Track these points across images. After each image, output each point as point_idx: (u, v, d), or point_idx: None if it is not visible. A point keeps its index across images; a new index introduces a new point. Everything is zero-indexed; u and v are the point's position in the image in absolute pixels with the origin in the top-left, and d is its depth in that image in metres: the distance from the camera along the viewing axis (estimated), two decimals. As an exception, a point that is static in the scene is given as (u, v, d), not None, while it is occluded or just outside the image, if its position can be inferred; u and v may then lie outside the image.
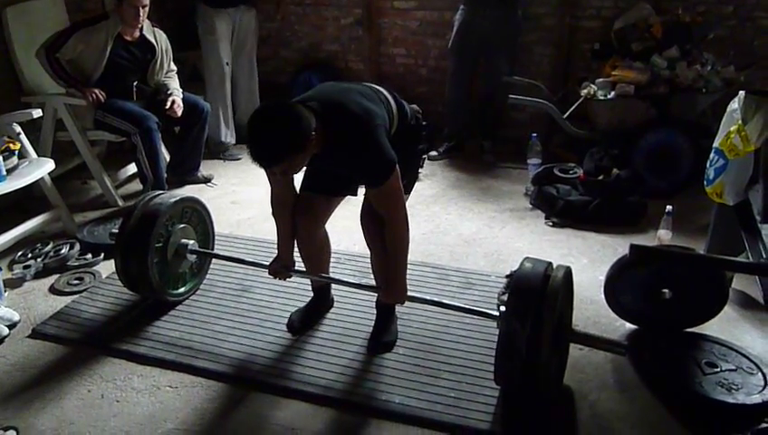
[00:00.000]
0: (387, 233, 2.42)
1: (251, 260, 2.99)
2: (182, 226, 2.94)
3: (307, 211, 2.63)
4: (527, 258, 2.39)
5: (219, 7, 4.61)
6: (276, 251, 2.72)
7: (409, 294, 2.56)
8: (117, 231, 2.85)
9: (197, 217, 3.07)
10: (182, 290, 3.02)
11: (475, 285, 3.14)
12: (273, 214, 2.66)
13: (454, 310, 2.59)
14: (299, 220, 2.65)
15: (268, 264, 2.72)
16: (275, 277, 2.73)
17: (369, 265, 2.74)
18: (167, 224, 2.85)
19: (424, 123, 2.68)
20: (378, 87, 2.53)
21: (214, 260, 3.21)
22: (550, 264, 2.35)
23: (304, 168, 2.45)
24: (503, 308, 2.27)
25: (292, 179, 2.56)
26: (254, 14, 4.85)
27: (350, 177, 2.55)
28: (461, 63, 4.74)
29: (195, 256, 3.01)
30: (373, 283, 2.75)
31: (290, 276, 2.75)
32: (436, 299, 2.63)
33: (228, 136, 4.91)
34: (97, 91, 3.82)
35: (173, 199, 2.88)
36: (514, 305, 2.22)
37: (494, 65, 4.68)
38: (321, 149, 2.29)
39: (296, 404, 2.42)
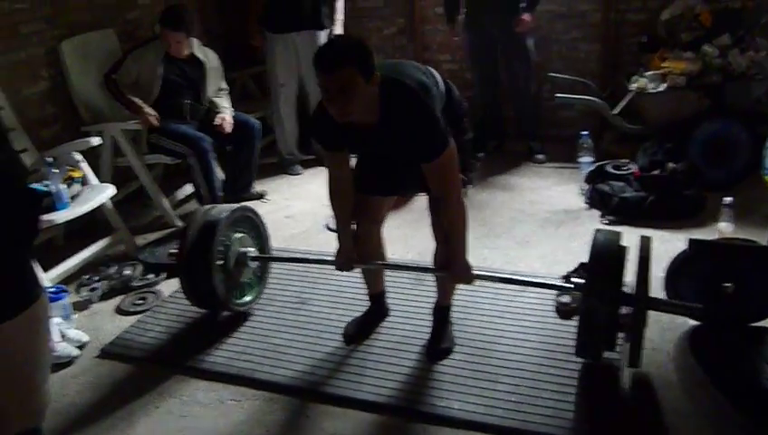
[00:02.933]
0: (444, 212, 2.41)
1: (314, 258, 3.10)
2: (239, 235, 2.98)
3: (361, 213, 2.66)
4: (599, 230, 2.39)
5: (278, 33, 4.67)
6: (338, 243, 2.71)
7: (476, 272, 2.53)
8: (176, 250, 2.92)
9: (251, 224, 3.09)
10: (248, 299, 3.06)
11: (530, 287, 3.11)
12: (332, 203, 2.63)
13: (524, 285, 2.66)
14: (357, 230, 2.70)
15: (333, 258, 2.71)
16: (341, 270, 2.73)
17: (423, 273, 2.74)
18: (224, 236, 2.89)
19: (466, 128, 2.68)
20: (428, 67, 2.54)
21: (271, 275, 3.27)
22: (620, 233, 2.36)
23: (354, 163, 2.52)
24: (573, 280, 2.31)
25: (348, 162, 2.54)
26: (319, 38, 4.65)
27: (403, 164, 2.50)
28: (481, 71, 4.78)
29: (256, 263, 3.04)
30: (431, 284, 2.76)
31: (353, 268, 2.73)
32: (505, 276, 2.67)
33: (286, 153, 5.00)
34: (152, 114, 3.93)
35: (226, 211, 2.92)
36: (592, 282, 2.20)
37: (512, 67, 4.68)
38: (378, 121, 2.29)
39: (356, 414, 2.44)
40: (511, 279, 2.61)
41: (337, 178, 2.57)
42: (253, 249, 3.01)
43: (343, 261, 2.69)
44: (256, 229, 3.14)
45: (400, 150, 2.41)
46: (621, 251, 2.30)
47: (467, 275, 2.52)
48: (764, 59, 3.97)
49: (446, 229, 2.44)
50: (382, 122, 2.30)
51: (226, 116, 4.17)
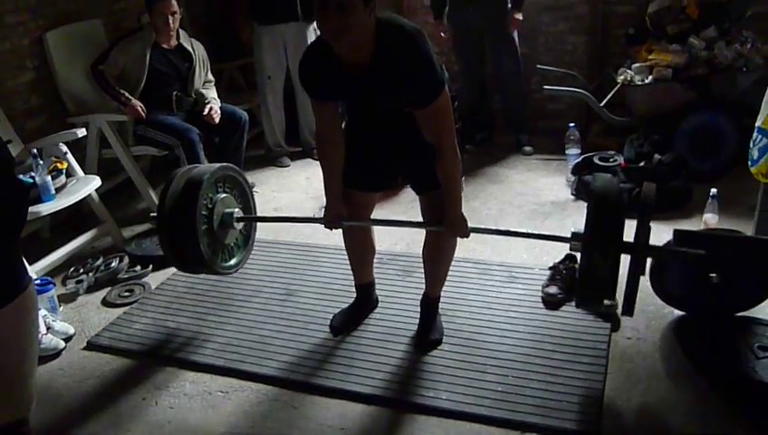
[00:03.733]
0: (439, 163, 2.33)
1: (301, 217, 2.99)
2: (223, 195, 2.85)
3: (348, 209, 2.65)
4: (597, 175, 2.36)
5: (265, 24, 4.65)
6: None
7: (471, 226, 2.48)
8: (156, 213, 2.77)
9: (235, 183, 2.95)
10: (234, 262, 2.94)
11: (518, 278, 3.12)
12: (320, 156, 2.59)
13: (522, 236, 2.65)
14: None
15: (322, 217, 2.65)
16: (329, 228, 2.65)
17: (412, 264, 2.74)
18: (207, 198, 2.75)
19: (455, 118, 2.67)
20: None
21: (256, 268, 3.25)
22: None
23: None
24: (572, 229, 2.30)
25: (338, 114, 2.49)
26: (308, 30, 4.66)
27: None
28: (466, 63, 4.79)
29: (242, 224, 2.95)
30: (419, 276, 2.76)
31: (342, 225, 2.65)
32: (500, 229, 2.64)
33: (273, 144, 4.99)
34: (139, 106, 3.91)
35: (208, 170, 2.82)
36: (594, 237, 2.15)
37: (499, 59, 4.69)
38: (372, 60, 2.21)
39: (344, 404, 2.44)
40: (507, 231, 2.57)
41: (326, 131, 2.49)
42: (238, 209, 2.92)
43: (332, 218, 2.61)
44: (240, 188, 3.02)
45: (393, 95, 2.30)
46: (620, 197, 2.23)
47: (463, 228, 2.46)
48: (750, 51, 3.99)
49: (442, 178, 2.35)
50: (376, 61, 2.21)
51: (214, 106, 4.15)
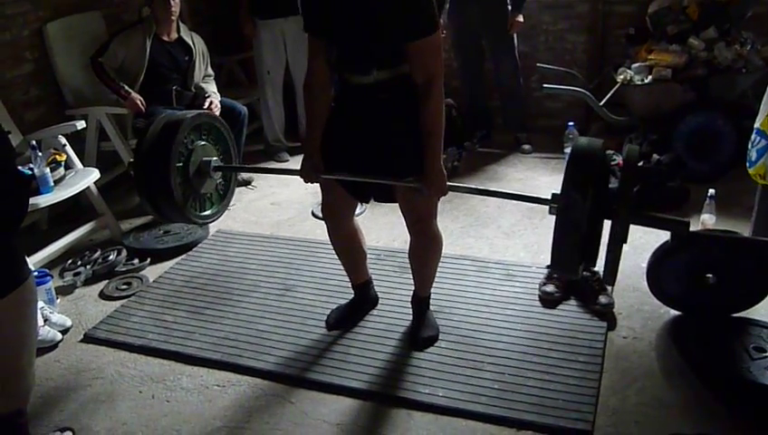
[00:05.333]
0: (424, 104, 2.25)
1: (279, 168, 2.93)
2: (203, 143, 2.78)
3: (331, 214, 2.67)
4: (581, 138, 2.31)
5: (265, 18, 4.65)
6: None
7: (450, 184, 2.39)
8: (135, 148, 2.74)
9: (218, 135, 2.88)
10: (207, 213, 2.84)
11: (515, 276, 3.13)
12: (308, 101, 2.50)
13: (503, 197, 2.56)
14: (326, 221, 2.71)
15: (299, 169, 2.56)
16: (306, 181, 2.55)
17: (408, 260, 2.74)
18: (186, 141, 2.69)
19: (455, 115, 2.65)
20: None
21: (254, 263, 3.25)
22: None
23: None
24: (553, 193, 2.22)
25: (325, 54, 2.40)
26: None
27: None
28: (466, 59, 4.79)
29: (219, 177, 2.87)
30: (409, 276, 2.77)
31: (319, 179, 2.53)
32: (480, 188, 2.57)
33: (272, 140, 4.98)
34: (138, 99, 3.90)
35: (191, 114, 2.76)
36: (572, 175, 2.08)
37: (498, 59, 4.70)
38: None
39: (341, 400, 2.45)
40: (486, 190, 2.49)
41: (317, 72, 2.43)
42: (216, 158, 2.85)
43: (308, 170, 2.51)
44: (224, 143, 2.91)
45: (389, 24, 2.20)
46: (604, 155, 2.17)
47: (441, 185, 2.36)
48: (750, 53, 3.99)
49: (425, 121, 2.28)
50: None
51: (215, 100, 4.15)
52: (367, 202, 2.64)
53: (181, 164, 2.68)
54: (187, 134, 2.71)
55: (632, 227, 2.23)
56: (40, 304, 2.93)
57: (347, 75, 2.38)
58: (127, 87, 3.91)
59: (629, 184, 2.25)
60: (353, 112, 2.43)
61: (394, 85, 2.32)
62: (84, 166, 3.70)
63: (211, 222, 2.88)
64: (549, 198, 2.30)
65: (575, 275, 2.27)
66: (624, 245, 2.21)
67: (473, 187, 2.61)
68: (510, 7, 4.49)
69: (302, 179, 2.55)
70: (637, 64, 4.17)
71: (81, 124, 3.71)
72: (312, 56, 2.44)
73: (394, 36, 2.22)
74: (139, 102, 3.90)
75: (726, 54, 3.97)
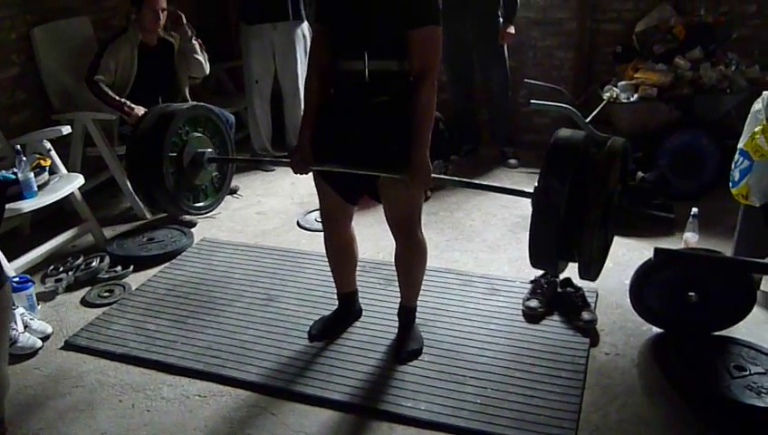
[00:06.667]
0: (417, 94, 2.31)
1: (269, 159, 2.93)
2: (198, 134, 2.76)
3: (327, 218, 2.68)
4: (563, 129, 2.34)
5: (253, 24, 4.65)
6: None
7: (435, 175, 2.42)
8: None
9: (214, 128, 2.87)
10: (201, 204, 2.83)
11: (499, 291, 3.14)
12: (307, 88, 2.53)
13: (486, 190, 2.62)
14: (324, 226, 2.72)
15: (289, 160, 2.58)
16: (295, 172, 2.56)
17: (395, 273, 2.74)
18: (180, 132, 2.68)
19: (443, 129, 2.67)
20: None
21: (238, 272, 3.23)
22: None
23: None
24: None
25: (327, 45, 2.43)
26: (296, 31, 4.67)
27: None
28: (455, 73, 4.82)
29: (215, 168, 2.85)
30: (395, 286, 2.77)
31: (309, 171, 2.55)
32: (464, 180, 2.57)
33: (259, 149, 4.98)
34: (142, 111, 3.82)
35: (187, 105, 2.75)
36: (551, 161, 2.09)
37: (488, 70, 4.73)
38: None
39: (323, 412, 2.44)
40: (470, 183, 2.51)
41: (319, 61, 2.46)
42: (210, 150, 2.84)
43: (297, 160, 2.54)
44: (220, 135, 2.92)
45: (395, 9, 2.28)
46: (587, 147, 2.19)
47: (425, 174, 2.37)
48: (734, 73, 4.05)
49: (417, 109, 2.32)
50: None
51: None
52: (355, 204, 2.65)
53: (175, 154, 2.68)
54: (182, 125, 2.71)
55: (617, 242, 2.23)
56: (20, 310, 2.91)
57: (340, 62, 2.41)
58: (129, 103, 3.85)
59: (607, 174, 2.23)
60: (343, 105, 2.46)
61: (384, 79, 2.35)
62: (69, 171, 3.68)
63: (205, 213, 2.86)
64: (531, 191, 2.32)
65: (553, 269, 2.26)
66: (609, 245, 2.20)
67: (456, 178, 2.61)
68: (501, 19, 4.53)
69: (293, 170, 2.57)
70: (623, 82, 4.21)
71: (66, 129, 3.68)
72: (315, 47, 2.49)
73: (397, 21, 2.28)
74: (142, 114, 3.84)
75: (711, 75, 4.02)
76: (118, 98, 3.86)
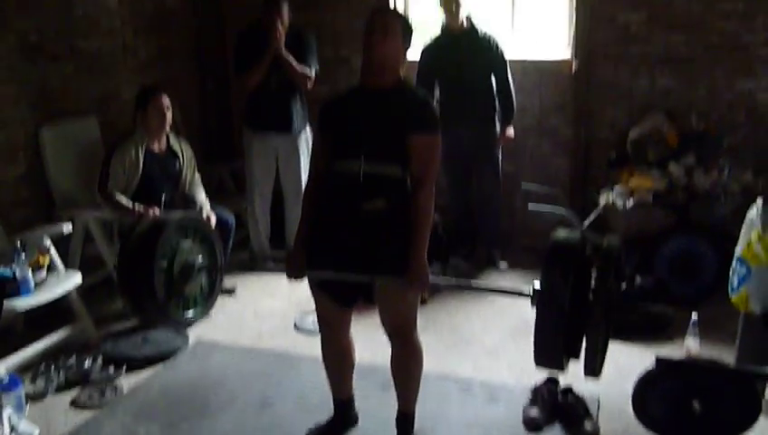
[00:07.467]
0: (415, 199, 2.40)
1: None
2: (189, 245, 2.77)
3: (323, 324, 2.66)
4: (560, 231, 2.40)
5: (257, 131, 4.75)
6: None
7: (434, 279, 2.47)
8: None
9: (203, 237, 2.89)
10: (190, 314, 2.82)
11: (499, 399, 3.08)
12: (306, 195, 2.61)
13: (483, 290, 2.60)
14: (321, 331, 2.69)
15: (285, 268, 2.58)
16: (289, 277, 2.57)
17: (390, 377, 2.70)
18: (173, 239, 2.70)
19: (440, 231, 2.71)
20: None
21: (233, 375, 3.17)
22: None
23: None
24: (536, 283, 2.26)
25: (327, 155, 2.50)
26: (299, 139, 4.73)
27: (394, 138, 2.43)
28: (454, 178, 4.88)
29: (204, 278, 2.86)
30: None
31: (302, 276, 2.56)
32: (462, 281, 2.60)
33: (257, 249, 4.99)
34: (153, 212, 3.77)
35: (177, 215, 2.76)
36: (552, 261, 2.16)
37: (482, 177, 4.82)
38: (391, 87, 2.44)
39: None
40: (468, 285, 2.56)
41: (320, 170, 2.54)
42: (200, 257, 2.83)
43: (291, 266, 2.55)
44: (210, 246, 2.94)
45: (397, 119, 2.41)
46: (583, 248, 2.27)
47: (424, 276, 2.39)
48: (727, 180, 4.11)
49: (416, 214, 2.40)
50: (394, 90, 2.44)
51: (212, 216, 4.07)
52: (350, 308, 2.64)
53: (166, 263, 2.69)
54: (173, 234, 2.73)
55: (618, 349, 2.22)
56: (8, 410, 2.84)
57: (337, 163, 2.46)
58: (142, 207, 3.79)
59: (608, 272, 2.27)
60: (338, 208, 2.48)
61: (377, 182, 2.39)
62: (67, 268, 3.67)
63: (194, 323, 2.85)
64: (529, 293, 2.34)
65: (560, 367, 2.28)
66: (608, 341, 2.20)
67: (454, 280, 2.63)
68: (498, 124, 4.65)
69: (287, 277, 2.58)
70: (618, 188, 4.27)
71: (67, 228, 3.70)
72: (316, 155, 2.59)
73: (396, 127, 2.39)
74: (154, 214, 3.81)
75: (704, 181, 4.08)
76: (131, 207, 3.81)
